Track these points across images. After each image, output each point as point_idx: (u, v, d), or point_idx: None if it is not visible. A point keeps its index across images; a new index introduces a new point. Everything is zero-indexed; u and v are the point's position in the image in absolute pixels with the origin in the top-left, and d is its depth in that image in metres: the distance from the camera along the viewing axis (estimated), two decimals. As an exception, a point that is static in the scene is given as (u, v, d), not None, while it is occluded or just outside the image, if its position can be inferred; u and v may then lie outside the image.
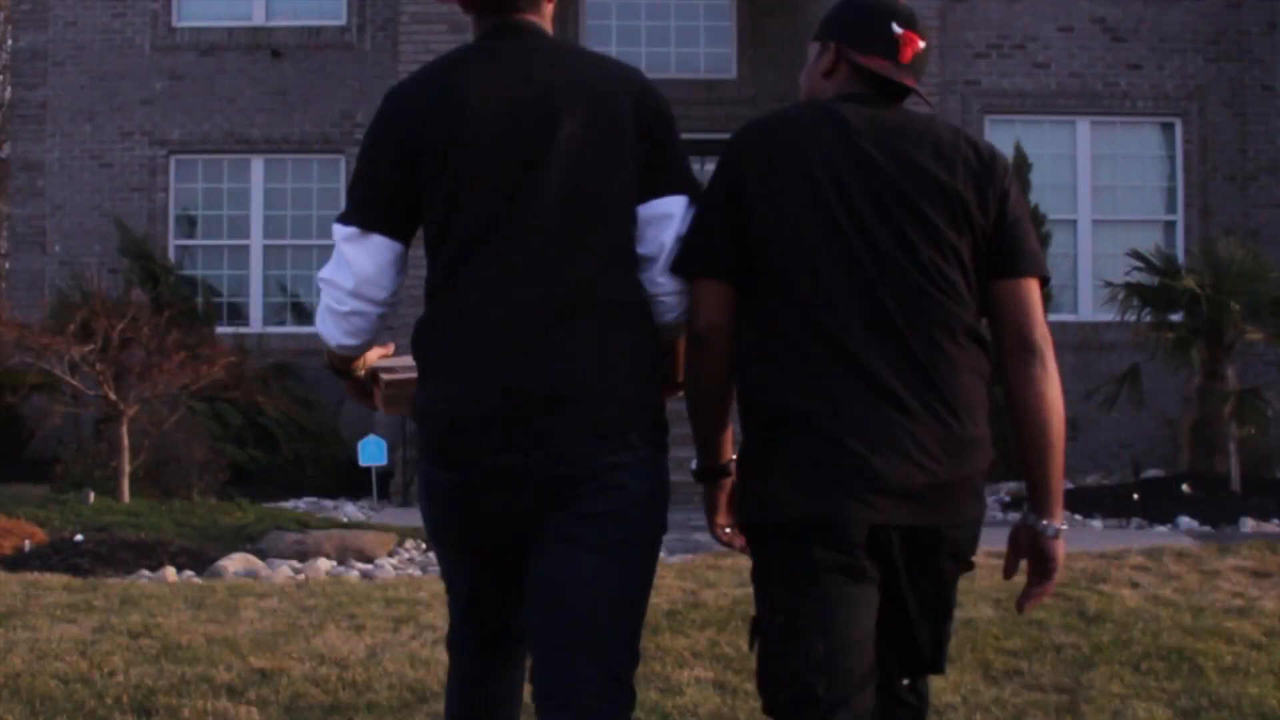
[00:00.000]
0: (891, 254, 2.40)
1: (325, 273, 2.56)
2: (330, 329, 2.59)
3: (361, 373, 2.74)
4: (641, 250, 2.53)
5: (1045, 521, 2.48)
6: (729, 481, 2.60)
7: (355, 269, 2.49)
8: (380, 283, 2.51)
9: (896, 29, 2.54)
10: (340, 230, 2.52)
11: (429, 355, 2.49)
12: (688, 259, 2.49)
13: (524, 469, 2.38)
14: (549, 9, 2.61)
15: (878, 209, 2.41)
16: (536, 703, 2.46)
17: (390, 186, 2.49)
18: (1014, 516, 9.42)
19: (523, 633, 2.60)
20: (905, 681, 2.57)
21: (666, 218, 2.51)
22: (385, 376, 2.71)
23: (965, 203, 2.44)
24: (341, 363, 2.70)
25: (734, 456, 2.57)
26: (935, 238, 2.42)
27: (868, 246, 2.40)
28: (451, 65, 2.53)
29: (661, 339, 2.57)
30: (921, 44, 2.55)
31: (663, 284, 2.53)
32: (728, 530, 2.64)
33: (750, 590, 2.53)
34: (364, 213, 2.50)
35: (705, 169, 14.21)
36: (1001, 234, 2.47)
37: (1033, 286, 2.47)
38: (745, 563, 2.55)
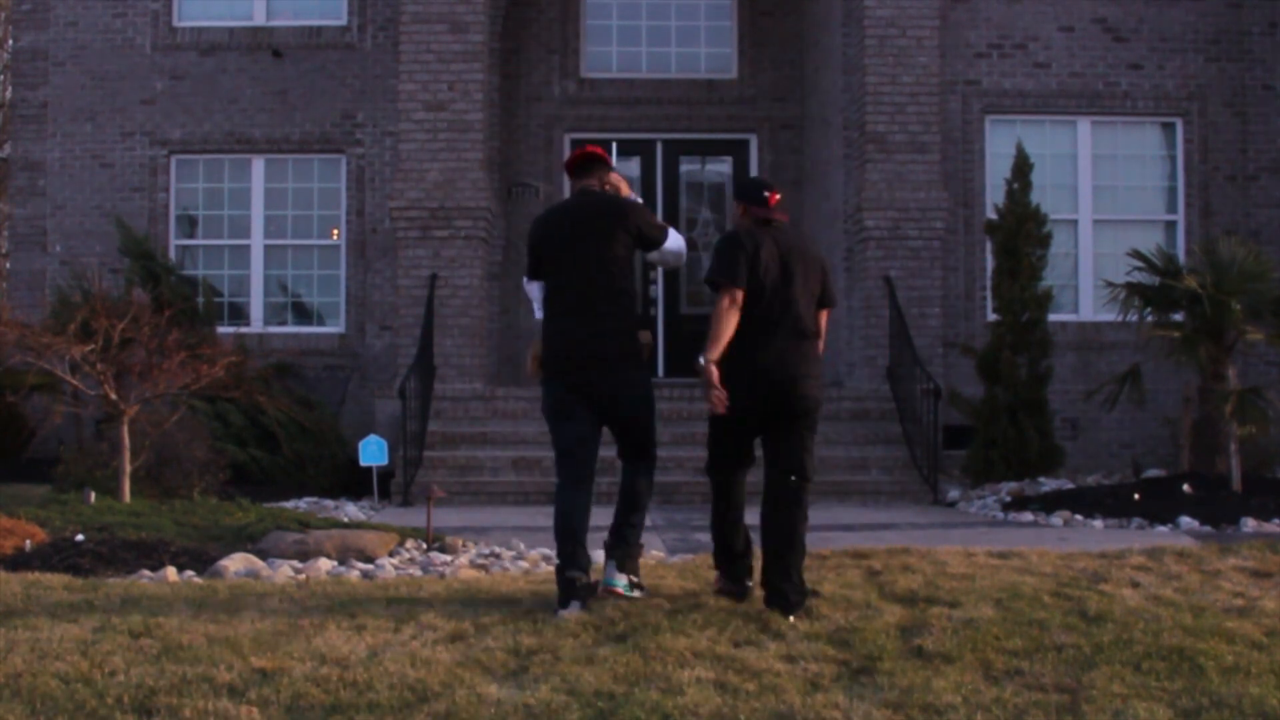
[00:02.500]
0: (800, 293, 5.59)
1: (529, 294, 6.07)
2: (536, 312, 5.96)
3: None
4: (651, 257, 6.09)
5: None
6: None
7: (531, 295, 5.98)
8: (539, 298, 5.90)
9: (767, 194, 5.69)
10: (525, 280, 6.09)
11: (546, 333, 5.80)
12: (734, 277, 5.49)
13: (589, 383, 5.68)
14: (613, 176, 5.93)
15: (792, 275, 5.57)
16: (624, 460, 5.85)
17: (534, 262, 5.91)
18: (1014, 515, 9.55)
19: (594, 468, 5.79)
20: (792, 478, 5.52)
21: (655, 252, 6.00)
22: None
23: (820, 271, 5.69)
24: None
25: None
26: (815, 287, 5.66)
27: (792, 290, 5.56)
28: (554, 210, 6.03)
29: (639, 319, 6.13)
30: (779, 196, 5.78)
31: (659, 256, 6.02)
32: (721, 400, 5.38)
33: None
34: (530, 272, 5.96)
35: (706, 168, 14.30)
36: (824, 287, 5.70)
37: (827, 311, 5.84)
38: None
